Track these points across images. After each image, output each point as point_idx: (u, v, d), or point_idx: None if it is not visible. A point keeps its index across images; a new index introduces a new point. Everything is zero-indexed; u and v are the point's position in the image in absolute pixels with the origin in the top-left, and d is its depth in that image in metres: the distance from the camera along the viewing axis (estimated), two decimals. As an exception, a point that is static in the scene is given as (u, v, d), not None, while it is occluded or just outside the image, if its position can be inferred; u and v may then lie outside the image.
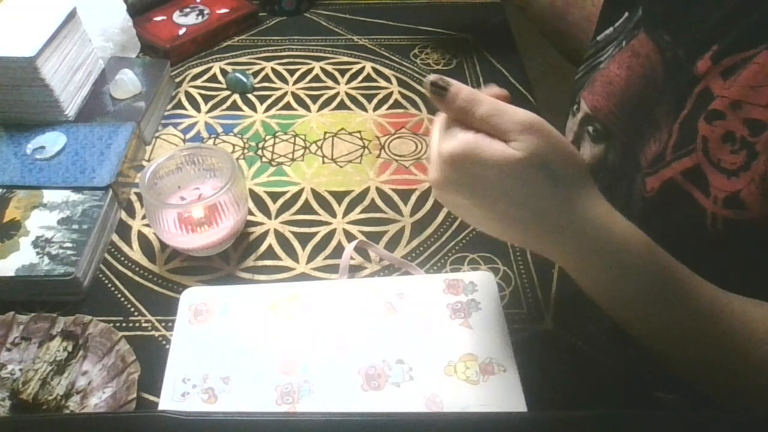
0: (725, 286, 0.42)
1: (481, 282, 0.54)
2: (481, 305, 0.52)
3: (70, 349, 0.49)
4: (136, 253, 0.59)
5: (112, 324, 0.52)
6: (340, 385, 0.47)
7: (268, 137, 0.72)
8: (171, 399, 0.47)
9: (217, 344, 0.50)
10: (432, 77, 0.40)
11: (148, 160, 0.69)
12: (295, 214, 0.63)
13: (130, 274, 0.58)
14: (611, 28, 0.61)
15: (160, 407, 0.47)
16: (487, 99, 0.40)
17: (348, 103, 0.77)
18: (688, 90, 0.48)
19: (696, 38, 0.49)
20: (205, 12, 0.87)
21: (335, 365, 0.49)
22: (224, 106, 0.76)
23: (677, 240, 0.50)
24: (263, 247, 0.60)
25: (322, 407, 0.46)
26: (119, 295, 0.56)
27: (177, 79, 0.80)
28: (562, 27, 0.74)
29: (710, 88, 0.46)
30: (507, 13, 0.91)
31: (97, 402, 0.47)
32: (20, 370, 0.49)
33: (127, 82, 0.70)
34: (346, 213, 0.63)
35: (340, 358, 0.49)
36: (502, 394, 0.47)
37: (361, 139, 0.72)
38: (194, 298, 0.53)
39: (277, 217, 0.63)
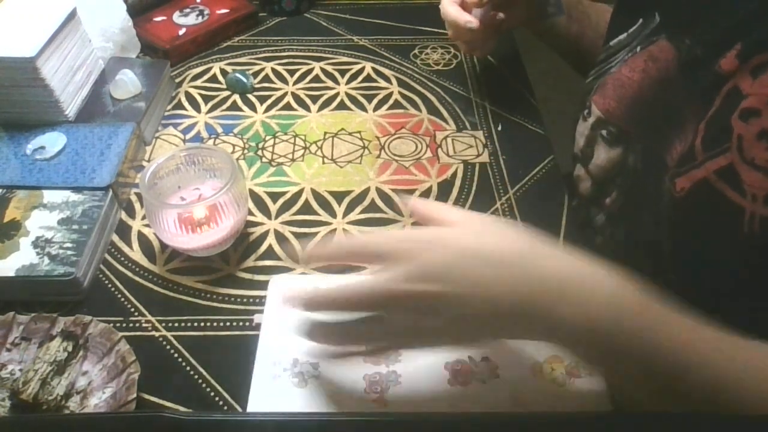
0: (756, 290, 0.42)
1: None
2: None
3: (70, 349, 0.49)
4: (136, 253, 0.59)
5: (112, 324, 0.51)
6: (426, 379, 0.48)
7: (268, 137, 0.72)
8: (262, 381, 0.48)
9: None
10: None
11: (148, 161, 0.69)
12: (295, 214, 0.63)
13: (130, 274, 0.58)
14: (624, 34, 0.61)
15: (252, 388, 0.48)
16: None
17: (348, 103, 0.77)
18: (714, 89, 0.48)
19: (716, 37, 0.49)
20: (205, 12, 0.87)
21: (422, 358, 0.49)
22: (224, 107, 0.76)
23: (709, 241, 0.50)
24: (263, 247, 0.60)
25: (409, 399, 0.47)
26: (119, 295, 0.56)
27: (177, 80, 0.80)
28: (579, 48, 0.75)
29: (739, 86, 0.46)
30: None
31: (97, 402, 0.47)
32: (20, 370, 0.49)
33: (127, 82, 0.70)
34: (346, 213, 0.63)
35: (426, 351, 0.49)
36: (588, 397, 0.46)
37: (361, 139, 0.72)
38: (282, 285, 0.54)
39: (277, 217, 0.63)
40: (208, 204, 0.54)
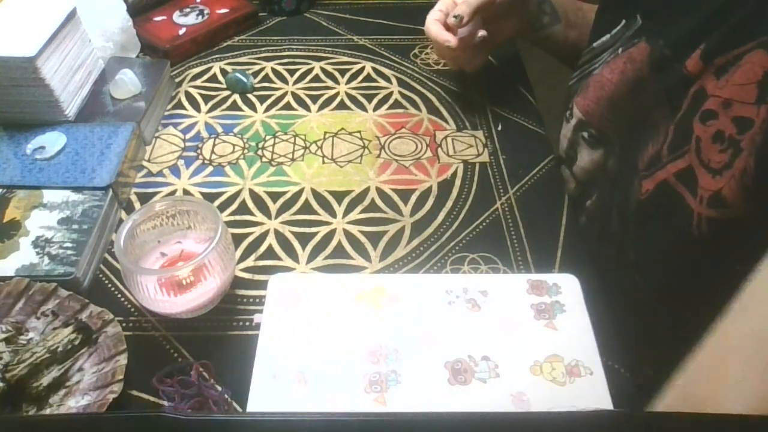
0: (706, 293, 0.42)
1: (564, 284, 0.54)
2: (565, 307, 0.52)
3: (76, 342, 0.48)
4: (136, 253, 0.59)
5: (112, 324, 0.51)
6: (427, 378, 0.48)
7: (268, 137, 0.72)
8: (262, 381, 0.48)
9: (305, 329, 0.51)
10: None
11: (148, 160, 0.69)
12: (295, 214, 0.63)
13: (130, 274, 0.58)
14: (608, 35, 0.61)
15: (252, 387, 0.48)
16: None
17: (348, 103, 0.77)
18: (683, 91, 0.48)
19: (682, 37, 0.49)
20: (205, 12, 0.87)
21: (421, 358, 0.49)
22: (224, 106, 0.76)
23: (666, 244, 0.50)
24: (263, 247, 0.60)
25: (410, 398, 0.47)
26: (119, 295, 0.56)
27: (177, 79, 0.80)
28: (580, 53, 0.74)
29: (705, 87, 0.46)
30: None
31: (73, 405, 0.46)
32: (37, 341, 0.48)
33: (127, 82, 0.70)
34: (346, 213, 0.63)
35: (426, 350, 0.50)
36: (589, 396, 0.47)
37: (361, 139, 0.71)
38: (282, 283, 0.55)
39: (277, 217, 0.63)
40: (194, 265, 0.49)
